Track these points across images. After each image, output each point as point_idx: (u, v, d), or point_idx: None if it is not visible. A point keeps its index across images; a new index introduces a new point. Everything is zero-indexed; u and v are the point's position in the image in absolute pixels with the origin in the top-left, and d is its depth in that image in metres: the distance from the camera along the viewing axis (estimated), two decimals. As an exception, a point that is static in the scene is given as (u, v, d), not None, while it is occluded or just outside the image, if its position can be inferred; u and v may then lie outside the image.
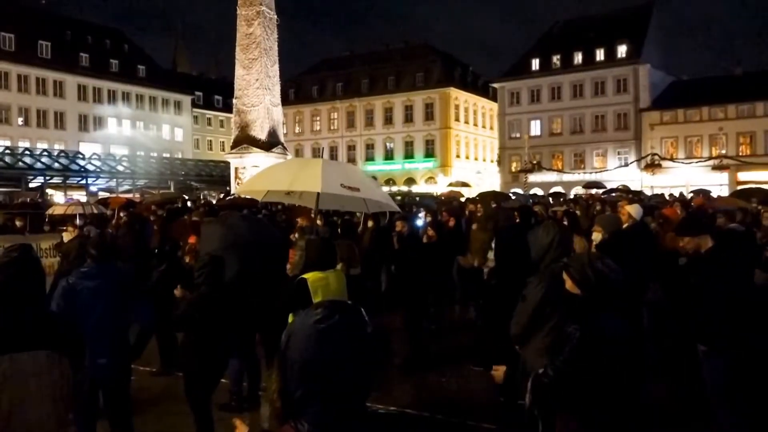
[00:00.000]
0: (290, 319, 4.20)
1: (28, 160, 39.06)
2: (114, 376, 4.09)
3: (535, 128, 55.72)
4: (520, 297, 3.68)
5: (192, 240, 8.16)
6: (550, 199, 21.37)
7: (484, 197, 21.79)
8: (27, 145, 46.19)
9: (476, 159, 65.12)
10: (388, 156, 63.10)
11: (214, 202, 22.67)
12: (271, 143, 28.81)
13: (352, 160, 61.68)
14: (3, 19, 50.22)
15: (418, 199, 28.65)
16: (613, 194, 26.96)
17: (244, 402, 5.92)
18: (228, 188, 30.32)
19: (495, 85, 59.79)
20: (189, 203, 19.11)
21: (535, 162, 51.26)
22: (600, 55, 52.72)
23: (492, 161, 64.76)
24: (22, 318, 2.66)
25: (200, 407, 4.66)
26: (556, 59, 54.99)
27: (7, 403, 2.53)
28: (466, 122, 63.56)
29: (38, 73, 52.88)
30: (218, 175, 43.73)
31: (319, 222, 9.03)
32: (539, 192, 44.49)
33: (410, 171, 61.05)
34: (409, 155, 62.00)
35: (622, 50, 51.84)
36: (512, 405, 5.59)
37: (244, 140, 28.71)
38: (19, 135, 50.20)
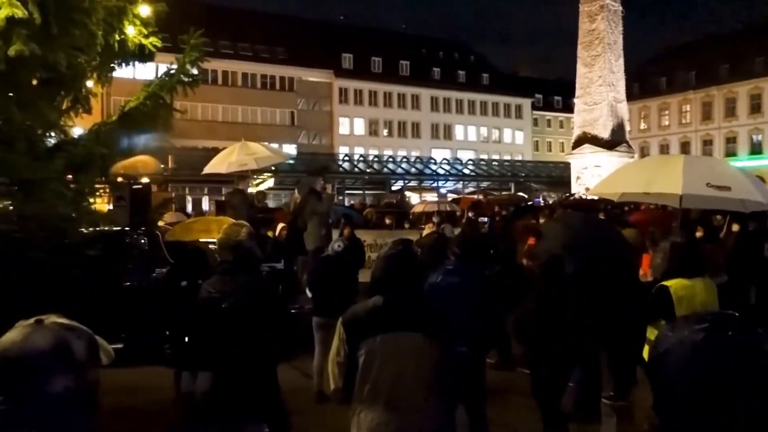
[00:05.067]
0: (649, 332, 3.93)
1: (391, 166, 44.90)
2: (473, 364, 4.40)
3: None
4: None
5: (531, 242, 8.26)
6: None
7: None
8: (390, 153, 52.95)
9: None
10: (756, 150, 54.37)
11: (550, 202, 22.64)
12: (614, 142, 27.55)
13: (708, 156, 55.01)
14: (372, 46, 58.61)
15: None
16: None
17: (583, 411, 5.74)
18: (569, 189, 29.98)
19: None
20: (531, 204, 19.51)
21: None
22: None
23: None
24: (403, 303, 3.04)
25: (548, 408, 4.68)
26: None
27: (393, 374, 2.92)
28: None
29: (399, 89, 60.17)
30: (558, 176, 43.56)
31: (672, 225, 8.26)
32: None
33: (784, 167, 51.75)
34: (783, 148, 52.58)
35: None
36: None
37: (586, 140, 28.02)
38: (385, 144, 57.88)
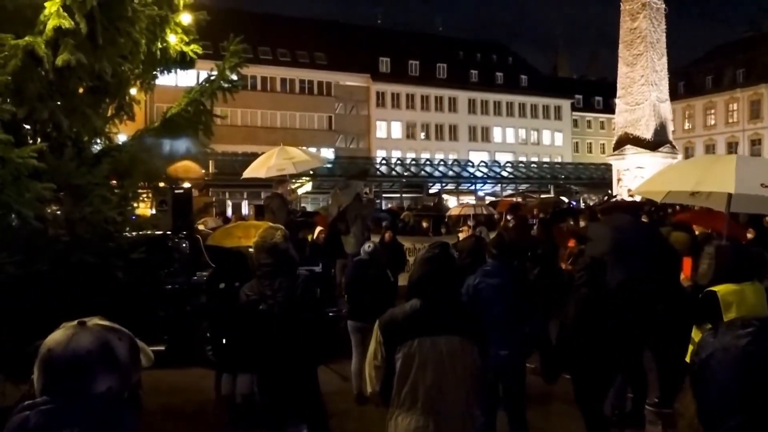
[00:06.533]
0: (694, 333, 3.82)
1: (428, 169, 44.80)
2: (513, 368, 4.35)
3: None
4: None
5: (571, 244, 8.13)
6: None
7: None
8: (427, 156, 52.81)
9: None
10: (807, 150, 52.51)
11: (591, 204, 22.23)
12: (657, 142, 26.91)
13: (756, 156, 53.15)
14: (409, 49, 58.65)
15: None
16: None
17: (626, 418, 5.61)
18: (609, 191, 29.42)
19: None
20: (571, 206, 19.19)
21: None
22: None
23: None
24: (441, 306, 3.01)
25: (591, 414, 4.59)
26: None
27: (431, 378, 2.90)
28: None
29: (436, 92, 60.00)
30: (598, 177, 42.87)
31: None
32: None
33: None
34: (838, 147, 50.51)
35: None
36: None
37: (627, 141, 27.43)
38: (422, 147, 57.76)
